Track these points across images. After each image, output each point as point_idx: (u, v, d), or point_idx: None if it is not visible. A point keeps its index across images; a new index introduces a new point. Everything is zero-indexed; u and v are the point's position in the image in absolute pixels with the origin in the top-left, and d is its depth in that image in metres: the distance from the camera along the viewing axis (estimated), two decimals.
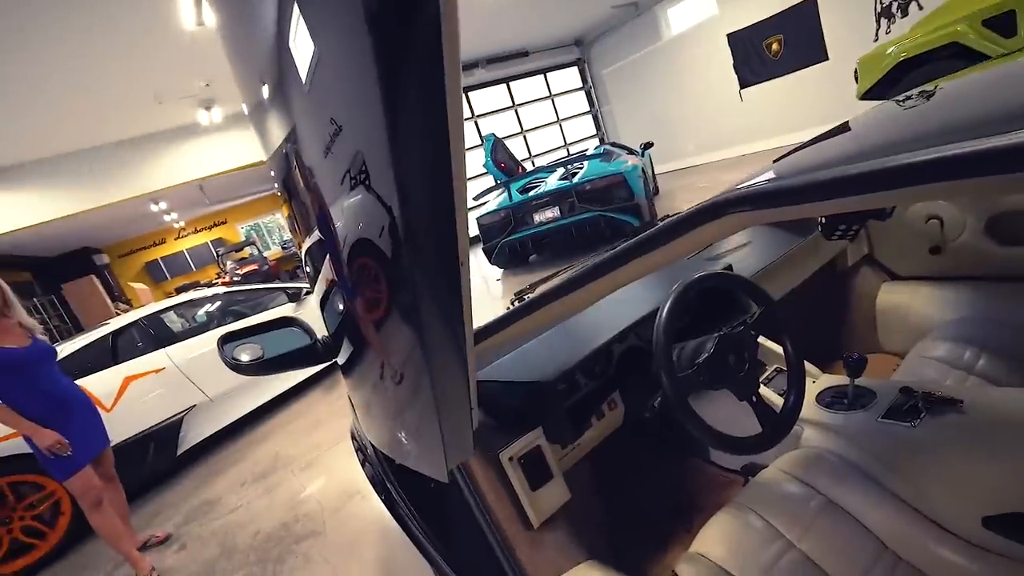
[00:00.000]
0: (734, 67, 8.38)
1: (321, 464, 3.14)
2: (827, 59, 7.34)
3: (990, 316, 1.48)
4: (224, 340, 1.10)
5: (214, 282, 11.56)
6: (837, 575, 0.98)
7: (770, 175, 0.65)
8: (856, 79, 5.15)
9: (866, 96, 5.03)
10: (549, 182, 5.59)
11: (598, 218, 5.07)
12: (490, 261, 5.94)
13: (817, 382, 1.32)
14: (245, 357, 1.07)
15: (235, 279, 11.06)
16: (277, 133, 0.78)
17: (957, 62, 4.20)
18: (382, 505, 1.35)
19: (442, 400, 0.63)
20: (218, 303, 4.66)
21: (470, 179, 10.34)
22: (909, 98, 0.83)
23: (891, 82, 4.74)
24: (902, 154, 0.47)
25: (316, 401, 4.34)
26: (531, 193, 5.46)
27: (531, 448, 1.07)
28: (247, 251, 13.45)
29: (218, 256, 13.19)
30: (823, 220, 1.15)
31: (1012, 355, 1.35)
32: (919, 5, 6.37)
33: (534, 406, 1.10)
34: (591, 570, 1.05)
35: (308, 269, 1.02)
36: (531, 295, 0.99)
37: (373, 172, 0.49)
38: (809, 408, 1.24)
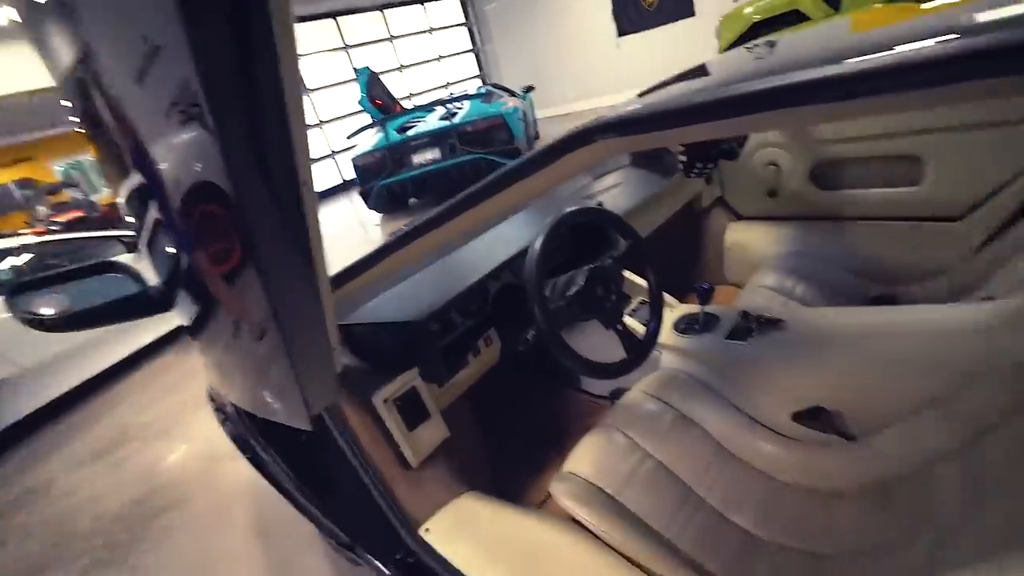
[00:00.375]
0: (613, 14, 8.53)
1: (179, 431, 2.84)
2: (694, 15, 7.77)
3: (808, 250, 1.73)
4: (15, 291, 0.89)
5: (20, 232, 9.54)
6: (685, 476, 1.11)
7: (636, 106, 0.66)
8: (717, 36, 5.55)
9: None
10: (429, 122, 5.34)
11: (479, 161, 4.99)
12: (368, 205, 5.61)
13: (674, 311, 1.45)
14: (46, 310, 0.87)
15: (53, 228, 9.22)
16: (65, 52, 0.60)
17: (798, 24, 4.71)
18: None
19: (298, 345, 0.57)
20: (28, 256, 3.84)
21: (345, 116, 9.53)
22: (757, 46, 0.88)
23: (747, 39, 5.18)
24: (747, 83, 0.50)
25: (171, 364, 3.88)
26: (410, 133, 5.18)
27: (406, 389, 1.04)
28: (66, 194, 11.19)
29: (27, 200, 10.84)
30: (684, 158, 1.24)
31: (822, 281, 1.60)
32: None
33: (407, 346, 1.07)
34: (470, 500, 1.08)
35: (130, 217, 0.85)
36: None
37: (203, 100, 0.40)
38: (666, 334, 1.37)
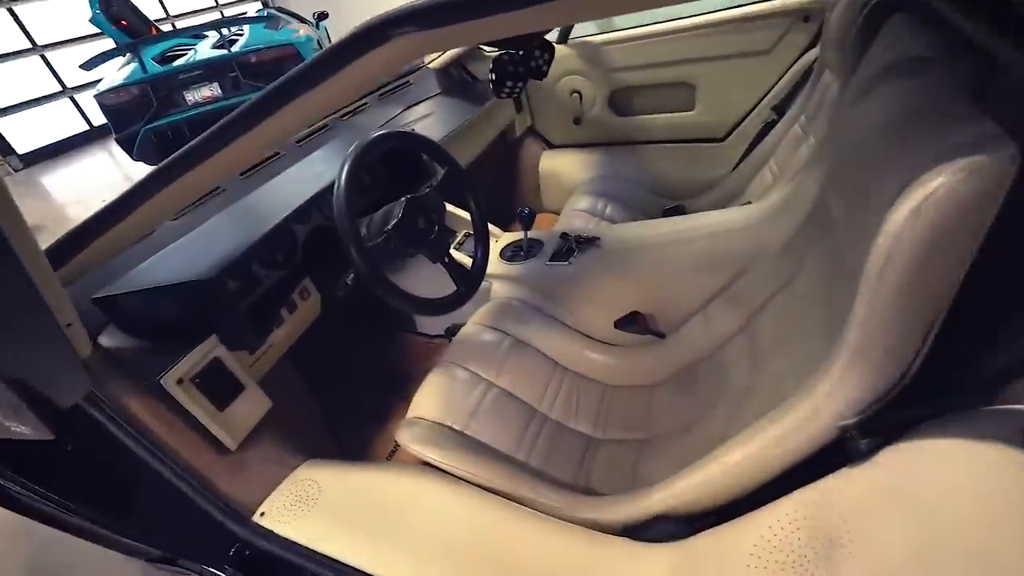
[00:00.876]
0: None
1: None
2: None
3: (612, 173, 1.88)
4: None
5: None
6: (527, 397, 1.15)
7: None
8: None
9: None
10: (200, 51, 4.40)
11: None
12: (132, 156, 4.52)
13: (499, 240, 1.45)
14: None
15: None
16: None
17: None
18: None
19: (18, 340, 0.40)
20: None
21: (80, 39, 7.36)
22: None
23: None
24: None
25: None
26: (177, 64, 4.23)
27: (207, 362, 0.86)
28: None
29: None
30: (494, 77, 1.19)
31: (626, 200, 1.75)
32: None
33: (200, 311, 0.88)
34: (309, 470, 0.97)
35: None
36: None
37: None
38: (494, 264, 1.37)
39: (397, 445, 1.30)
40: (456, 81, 1.93)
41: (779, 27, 1.62)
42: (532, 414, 1.14)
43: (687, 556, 0.73)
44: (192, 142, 0.66)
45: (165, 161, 0.69)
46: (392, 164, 1.08)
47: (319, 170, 1.25)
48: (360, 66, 0.60)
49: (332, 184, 1.06)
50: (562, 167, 1.98)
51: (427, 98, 1.84)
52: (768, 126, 1.60)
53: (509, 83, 1.21)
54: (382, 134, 0.97)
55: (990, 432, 0.47)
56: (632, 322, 1.21)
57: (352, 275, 0.96)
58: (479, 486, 0.93)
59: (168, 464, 0.83)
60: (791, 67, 1.65)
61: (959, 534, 0.43)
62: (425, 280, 1.16)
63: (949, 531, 0.44)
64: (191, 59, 4.27)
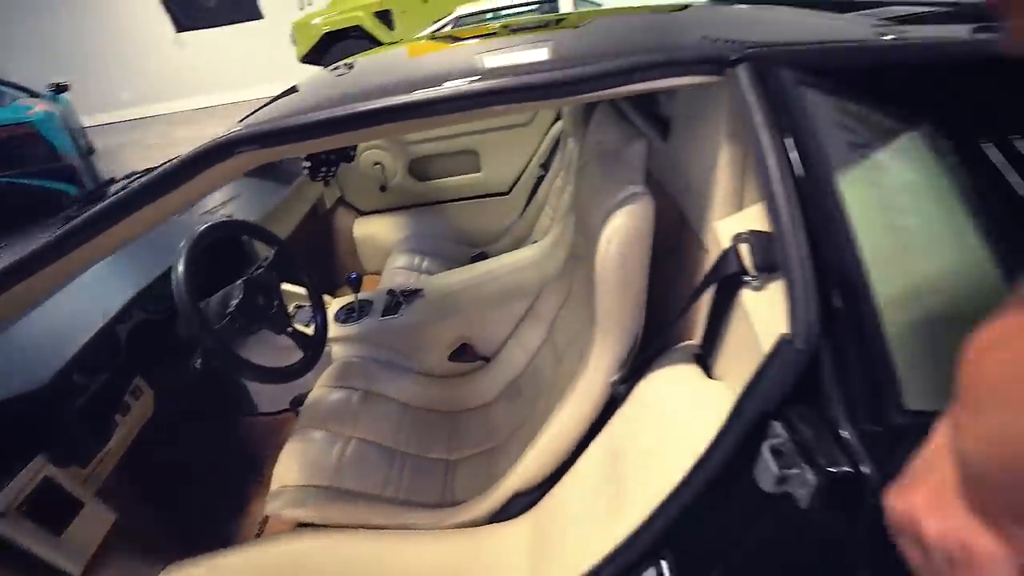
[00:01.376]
0: (163, 4, 7.36)
1: None
2: (263, 18, 7.53)
3: (422, 231, 2.13)
4: None
5: None
6: (384, 440, 1.27)
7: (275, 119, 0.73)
8: (294, 43, 5.61)
9: (305, 60, 5.60)
10: None
11: (7, 187, 3.63)
12: None
13: (331, 306, 1.56)
14: None
15: None
16: None
17: (362, 41, 5.28)
18: None
19: None
20: None
21: None
22: (336, 68, 1.06)
23: (322, 49, 5.46)
24: (368, 102, 0.65)
25: None
26: None
27: (35, 485, 0.81)
28: None
29: None
30: (309, 165, 1.33)
31: (439, 253, 2.01)
32: None
33: (21, 431, 0.82)
34: (175, 574, 0.94)
35: None
36: None
37: None
38: (331, 328, 1.47)
39: (264, 522, 1.28)
40: None
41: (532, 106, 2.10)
42: (392, 454, 1.26)
43: (538, 519, 0.96)
44: (33, 249, 0.68)
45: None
46: (216, 251, 1.13)
47: (126, 269, 1.21)
48: (206, 177, 0.71)
49: (151, 281, 1.08)
50: (376, 231, 2.16)
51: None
52: (540, 180, 2.02)
53: (323, 168, 1.37)
54: (214, 224, 1.04)
55: (677, 359, 0.79)
56: (463, 352, 1.43)
57: (199, 359, 0.98)
58: (358, 527, 1.02)
59: None
60: (547, 134, 2.12)
61: (668, 420, 0.73)
62: (268, 353, 1.21)
63: (664, 420, 0.74)
64: None
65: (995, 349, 0.32)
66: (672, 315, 0.88)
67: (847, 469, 0.47)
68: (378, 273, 2.17)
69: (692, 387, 0.74)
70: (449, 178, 2.20)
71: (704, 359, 0.77)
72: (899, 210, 0.63)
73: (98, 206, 0.69)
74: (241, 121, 0.78)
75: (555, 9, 3.15)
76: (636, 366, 0.86)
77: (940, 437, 0.39)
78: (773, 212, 0.57)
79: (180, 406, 1.23)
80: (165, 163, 0.73)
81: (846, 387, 0.50)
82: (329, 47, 5.40)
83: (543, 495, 0.98)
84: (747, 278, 0.65)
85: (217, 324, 0.98)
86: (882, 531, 0.41)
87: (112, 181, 1.15)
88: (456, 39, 1.24)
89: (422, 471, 1.25)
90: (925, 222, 0.63)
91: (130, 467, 1.04)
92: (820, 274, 0.53)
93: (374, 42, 5.22)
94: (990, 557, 0.35)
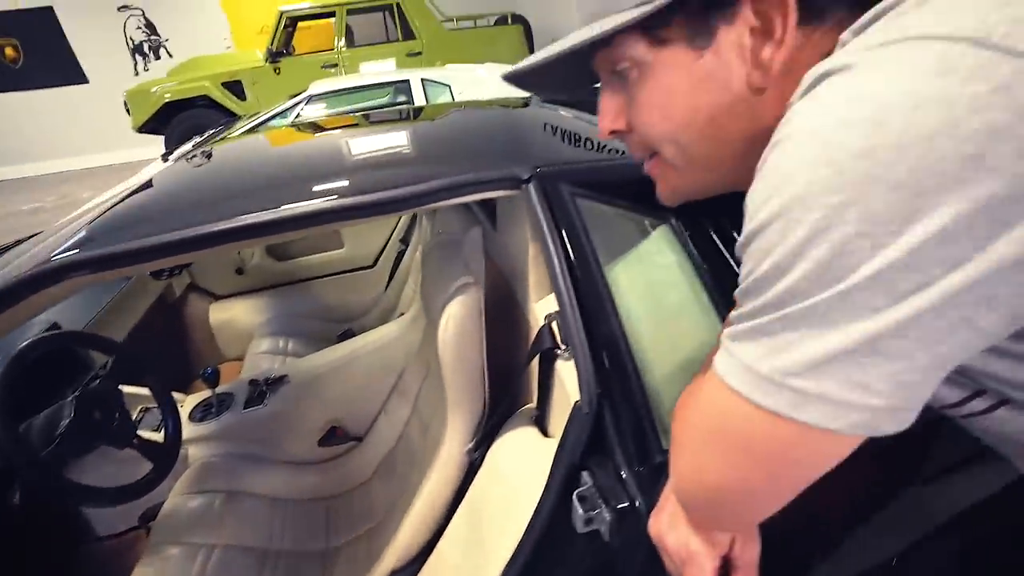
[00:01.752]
0: None
1: None
2: (87, 82, 6.87)
3: (286, 312, 2.09)
4: None
5: None
6: (254, 542, 1.22)
7: (96, 227, 0.74)
8: (128, 111, 5.20)
9: (142, 129, 5.20)
10: None
11: None
12: None
13: (185, 404, 1.47)
14: None
15: None
16: None
17: (211, 111, 5.08)
18: None
19: None
20: None
21: None
22: (195, 156, 1.09)
23: (163, 118, 5.13)
24: (213, 223, 0.71)
25: None
26: None
27: None
28: None
29: None
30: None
31: (305, 333, 1.98)
32: (168, 53, 7.00)
33: None
34: None
35: None
36: None
37: None
38: (185, 428, 1.38)
39: None
40: None
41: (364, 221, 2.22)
42: (264, 557, 1.21)
43: None
44: None
45: None
46: (42, 363, 1.04)
47: None
48: (33, 301, 0.70)
49: None
50: (234, 315, 2.07)
51: None
52: (401, 253, 2.12)
53: (167, 270, 1.33)
54: (31, 343, 0.96)
55: (519, 423, 0.92)
56: (332, 435, 1.43)
57: (19, 494, 0.88)
58: None
59: None
60: None
61: (513, 480, 0.85)
62: (113, 468, 1.12)
63: (510, 480, 0.85)
64: None
65: (684, 403, 0.45)
66: (514, 382, 1.01)
67: (626, 504, 0.62)
68: (240, 359, 2.07)
69: (530, 447, 0.87)
70: (312, 255, 2.20)
71: (540, 420, 0.91)
72: (661, 287, 0.84)
73: None
74: (91, 222, 0.77)
75: (408, 91, 3.38)
76: (486, 432, 0.98)
77: None
78: (558, 298, 0.73)
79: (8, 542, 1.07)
80: None
81: (622, 437, 0.66)
82: (170, 117, 5.10)
83: (420, 568, 1.03)
84: (558, 351, 0.81)
85: (44, 449, 0.90)
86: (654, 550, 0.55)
87: None
88: (320, 128, 1.33)
89: (300, 567, 1.21)
90: (679, 295, 0.84)
91: None
92: (595, 348, 0.69)
93: (222, 111, 5.05)
94: (700, 555, 0.51)
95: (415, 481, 1.25)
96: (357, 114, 1.89)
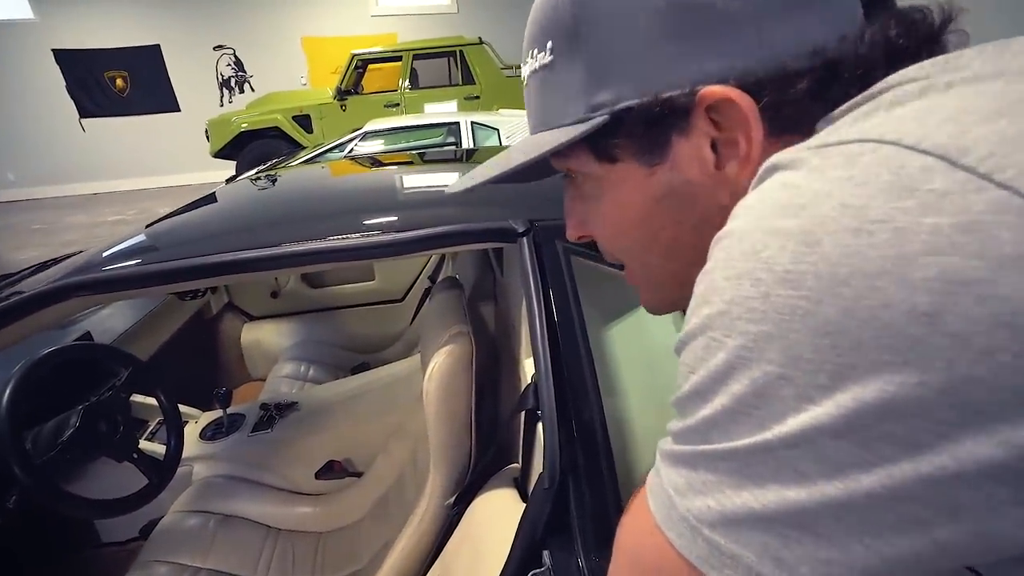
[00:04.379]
0: (68, 90, 7.22)
1: None
2: (179, 111, 7.59)
3: (311, 338, 2.14)
4: None
5: None
6: (240, 570, 1.21)
7: (136, 241, 0.78)
8: (207, 138, 5.68)
9: (218, 155, 5.66)
10: None
11: None
12: None
13: (199, 421, 1.51)
14: None
15: None
16: None
17: (280, 141, 5.48)
18: None
19: None
20: None
21: None
22: (259, 179, 1.16)
23: (237, 146, 5.56)
24: (247, 250, 0.74)
25: None
26: None
27: None
28: None
29: None
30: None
31: (326, 361, 2.02)
32: (251, 87, 7.67)
33: None
34: None
35: None
36: None
37: None
38: (194, 446, 1.42)
39: None
40: None
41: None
42: None
43: None
44: None
45: None
46: (66, 369, 1.10)
47: None
48: (34, 320, 0.74)
49: None
50: (264, 337, 2.15)
51: None
52: (427, 290, 2.15)
53: (192, 291, 1.39)
54: (54, 351, 1.02)
55: (500, 483, 0.88)
56: (329, 469, 1.42)
57: (15, 497, 0.91)
58: None
59: None
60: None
61: (487, 544, 0.80)
62: (114, 479, 1.15)
63: (485, 544, 0.81)
64: None
65: (628, 507, 0.37)
66: (501, 439, 0.98)
67: None
68: (263, 379, 2.13)
69: (506, 510, 0.82)
70: (343, 285, 2.27)
71: (521, 482, 0.87)
72: (655, 358, 0.79)
73: None
74: (148, 226, 0.83)
75: (457, 132, 3.51)
76: (468, 486, 0.94)
77: None
78: (535, 361, 0.70)
79: (3, 547, 1.12)
80: None
81: (583, 520, 0.61)
82: (244, 145, 5.53)
83: None
84: (540, 413, 0.77)
85: (45, 456, 0.94)
86: None
87: None
88: (378, 163, 1.39)
89: None
90: (674, 368, 0.79)
91: None
92: (565, 419, 0.65)
93: (291, 142, 5.43)
94: None
95: (406, 529, 1.21)
96: (411, 151, 1.97)
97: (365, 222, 0.83)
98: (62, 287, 0.74)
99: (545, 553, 0.63)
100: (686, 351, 0.26)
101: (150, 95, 7.47)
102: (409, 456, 1.36)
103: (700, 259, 0.32)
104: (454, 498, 0.95)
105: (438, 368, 0.88)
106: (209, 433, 1.46)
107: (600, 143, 0.34)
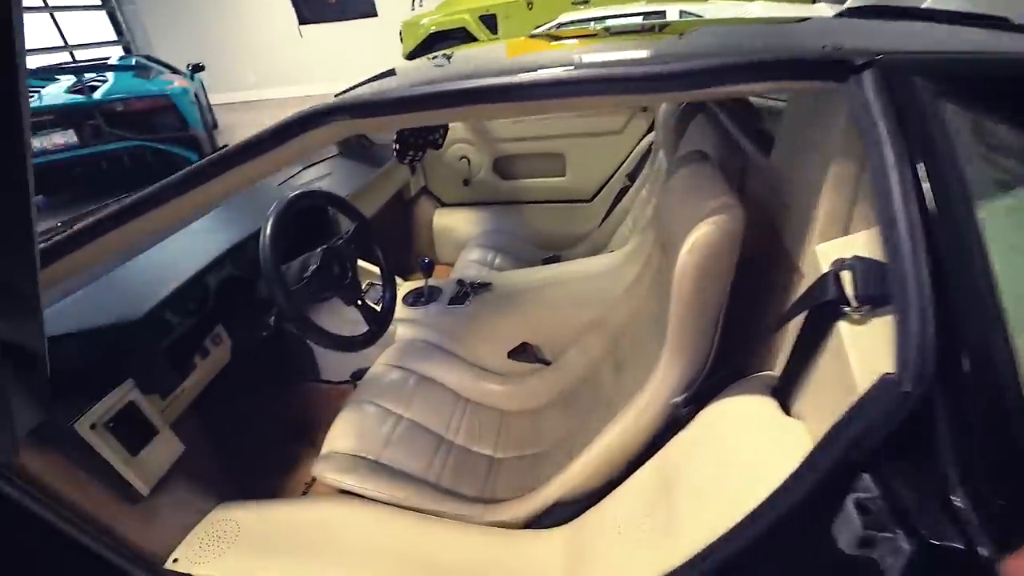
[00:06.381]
0: (292, 1, 8.06)
1: None
2: (377, 16, 8.02)
3: (499, 228, 2.14)
4: None
5: None
6: (434, 426, 1.28)
7: (370, 91, 0.75)
8: (401, 40, 5.92)
9: (410, 56, 5.89)
10: (51, 94, 4.04)
11: (142, 149, 4.07)
12: None
13: (401, 288, 1.60)
14: None
15: None
16: None
17: (465, 42, 5.48)
18: None
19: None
20: None
21: None
22: (436, 57, 1.09)
23: (427, 47, 5.71)
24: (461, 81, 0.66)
25: None
26: None
27: (122, 406, 0.88)
28: None
29: None
30: (397, 147, 1.38)
31: (512, 252, 2.01)
32: None
33: (115, 356, 0.90)
34: (224, 512, 0.99)
35: None
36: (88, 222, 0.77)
37: None
38: (398, 309, 1.50)
39: (311, 483, 1.33)
40: (353, 144, 2.09)
41: (626, 114, 2.05)
42: (439, 441, 1.26)
43: (577, 532, 0.91)
44: (137, 198, 0.75)
45: (100, 215, 0.76)
46: (302, 219, 1.20)
47: (222, 226, 1.31)
48: (300, 141, 0.75)
49: (245, 239, 1.15)
50: (454, 223, 2.20)
51: (326, 158, 1.97)
52: (624, 190, 1.97)
53: (411, 152, 1.41)
54: (304, 192, 1.10)
55: (752, 389, 0.73)
56: (523, 352, 1.41)
57: (274, 316, 1.03)
58: (396, 505, 1.03)
59: (64, 518, 0.81)
60: (637, 144, 2.06)
61: (734, 454, 0.67)
62: (337, 323, 1.26)
63: (730, 453, 0.68)
64: (39, 103, 3.89)
65: None
66: (752, 341, 0.81)
67: (956, 545, 0.40)
68: (451, 264, 2.21)
69: (764, 422, 0.67)
70: (533, 179, 2.20)
71: (782, 393, 0.70)
72: None
73: (197, 163, 0.74)
74: (337, 95, 0.81)
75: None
76: (703, 389, 0.80)
77: None
78: (891, 239, 0.50)
79: (253, 359, 1.31)
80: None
81: (964, 444, 0.43)
82: (433, 46, 5.65)
83: (586, 508, 0.94)
84: (847, 308, 0.58)
85: (294, 287, 1.03)
86: None
87: None
88: (556, 38, 1.23)
89: (466, 463, 1.24)
90: None
91: (201, 407, 1.11)
92: (942, 311, 0.45)
93: (476, 42, 5.40)
94: None
95: (595, 421, 1.15)
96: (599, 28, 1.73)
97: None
98: (323, 109, 0.72)
99: (866, 476, 0.47)
100: None
101: (353, 1, 7.98)
102: (605, 353, 1.27)
103: None
104: (683, 397, 0.82)
105: (699, 242, 0.71)
106: (411, 299, 1.54)
107: None
